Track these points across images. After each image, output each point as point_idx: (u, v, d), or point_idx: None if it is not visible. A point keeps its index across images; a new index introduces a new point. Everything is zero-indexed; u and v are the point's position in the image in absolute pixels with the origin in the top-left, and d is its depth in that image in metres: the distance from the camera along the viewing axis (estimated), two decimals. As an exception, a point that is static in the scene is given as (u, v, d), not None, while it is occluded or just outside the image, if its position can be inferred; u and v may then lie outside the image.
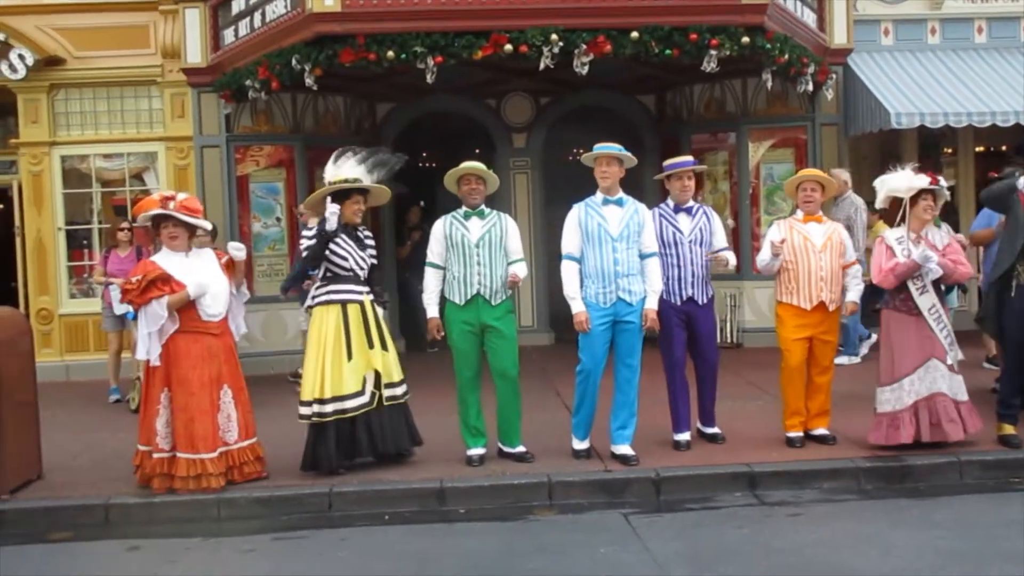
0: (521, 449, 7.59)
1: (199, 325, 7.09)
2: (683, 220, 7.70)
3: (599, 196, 7.46)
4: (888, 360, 7.41)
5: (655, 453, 7.63)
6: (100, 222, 12.80)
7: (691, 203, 7.78)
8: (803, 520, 6.52)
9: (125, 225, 11.45)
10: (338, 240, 7.30)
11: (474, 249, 7.39)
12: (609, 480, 7.16)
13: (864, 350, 11.39)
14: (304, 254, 7.46)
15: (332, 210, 7.23)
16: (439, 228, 7.52)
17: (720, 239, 7.82)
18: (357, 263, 7.41)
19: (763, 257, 7.77)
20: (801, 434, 7.73)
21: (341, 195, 7.37)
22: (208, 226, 7.56)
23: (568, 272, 7.38)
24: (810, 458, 7.42)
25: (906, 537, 6.05)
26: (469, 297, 7.39)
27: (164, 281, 6.96)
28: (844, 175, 11.22)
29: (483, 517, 6.80)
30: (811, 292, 7.60)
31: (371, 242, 7.65)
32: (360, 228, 7.57)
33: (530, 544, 6.25)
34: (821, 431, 7.79)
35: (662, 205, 7.84)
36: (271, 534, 6.60)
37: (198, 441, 7.00)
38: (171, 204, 7.07)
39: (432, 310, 7.51)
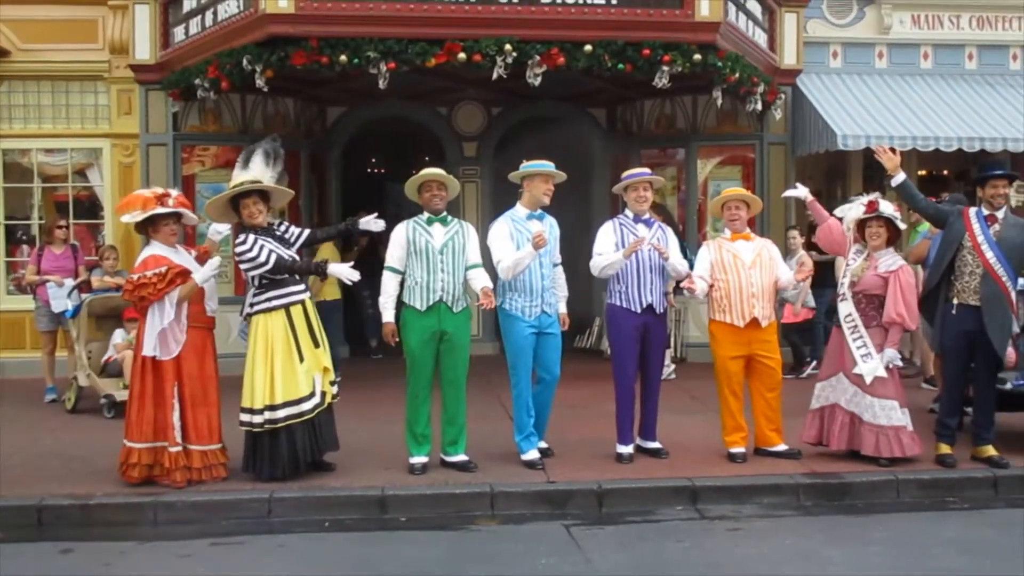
0: (464, 458, 7.56)
1: (206, 320, 7.25)
2: (642, 230, 7.76)
3: (522, 211, 7.68)
4: (823, 363, 7.95)
5: (598, 466, 7.64)
6: (41, 218, 12.57)
7: (648, 216, 7.87)
8: (743, 535, 6.56)
9: (63, 223, 11.29)
10: (263, 245, 7.20)
11: (438, 255, 7.38)
12: (551, 491, 7.15)
13: None
14: (258, 268, 7.18)
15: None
16: (401, 233, 7.46)
17: (674, 254, 7.88)
18: None
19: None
20: (743, 450, 7.78)
21: (237, 201, 7.34)
22: (196, 219, 7.70)
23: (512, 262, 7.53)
24: (751, 473, 7.47)
25: (843, 553, 6.11)
26: (431, 303, 7.36)
27: (183, 275, 7.03)
28: None
29: (424, 526, 6.75)
30: (743, 309, 7.69)
31: (295, 231, 7.58)
32: (275, 225, 7.49)
33: (471, 553, 6.23)
34: (781, 447, 7.86)
35: (621, 215, 7.91)
36: (209, 539, 6.49)
37: (207, 432, 7.16)
38: (170, 201, 7.15)
39: (389, 315, 7.45)
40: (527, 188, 7.69)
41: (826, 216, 7.94)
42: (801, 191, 8.04)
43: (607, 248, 7.71)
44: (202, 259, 7.35)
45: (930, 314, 7.81)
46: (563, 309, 7.86)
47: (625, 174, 7.96)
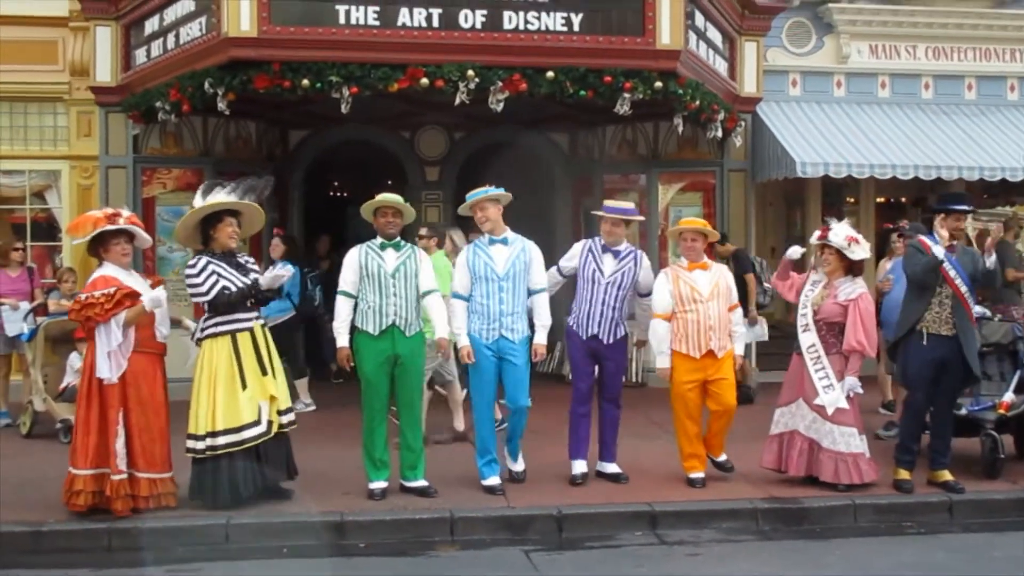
0: (424, 483, 7.53)
1: (155, 346, 7.10)
2: (608, 260, 7.81)
3: (485, 237, 7.66)
4: (782, 389, 7.94)
5: (558, 491, 7.64)
6: (-3, 240, 12.42)
7: (623, 245, 7.89)
8: (702, 560, 6.58)
9: (19, 245, 11.17)
10: (218, 271, 7.15)
11: (390, 279, 7.37)
12: (512, 516, 7.13)
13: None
14: (197, 297, 7.18)
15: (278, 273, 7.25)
16: (353, 257, 7.46)
17: (645, 284, 7.90)
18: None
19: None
20: (702, 475, 7.81)
21: (213, 221, 7.26)
22: (150, 241, 7.49)
23: (457, 309, 7.59)
24: (710, 498, 7.50)
25: (801, 578, 6.15)
26: (384, 328, 7.34)
27: (131, 297, 6.89)
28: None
29: (383, 552, 6.71)
30: (700, 340, 7.71)
31: (253, 265, 7.51)
32: (239, 253, 7.43)
33: (430, 580, 6.21)
34: (722, 458, 8.00)
35: (593, 240, 7.93)
36: (165, 566, 6.42)
37: (158, 460, 7.01)
38: (120, 220, 7.01)
39: (343, 340, 7.43)
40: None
41: (789, 275, 8.03)
42: (796, 252, 7.97)
43: (562, 267, 8.00)
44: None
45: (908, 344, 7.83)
46: (540, 339, 7.66)
47: (605, 203, 8.03)
